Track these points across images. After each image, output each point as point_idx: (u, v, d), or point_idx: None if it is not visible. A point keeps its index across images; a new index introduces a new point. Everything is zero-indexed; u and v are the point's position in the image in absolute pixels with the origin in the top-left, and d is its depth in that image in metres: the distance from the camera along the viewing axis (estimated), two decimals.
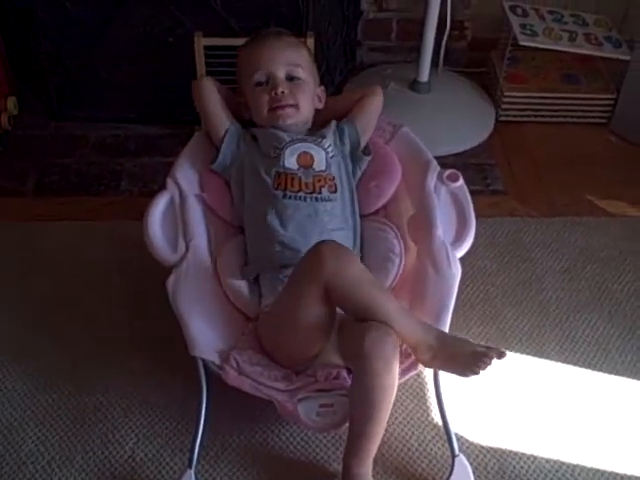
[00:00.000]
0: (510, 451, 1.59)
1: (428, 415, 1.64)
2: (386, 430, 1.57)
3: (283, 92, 1.68)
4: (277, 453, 1.57)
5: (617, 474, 1.56)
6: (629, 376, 1.74)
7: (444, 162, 1.83)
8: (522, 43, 2.39)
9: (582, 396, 1.70)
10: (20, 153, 2.34)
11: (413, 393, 1.68)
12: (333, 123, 1.75)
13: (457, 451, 1.51)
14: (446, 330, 1.50)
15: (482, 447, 1.59)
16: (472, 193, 1.72)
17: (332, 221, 1.62)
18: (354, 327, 1.39)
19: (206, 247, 1.64)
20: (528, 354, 1.78)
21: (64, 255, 1.99)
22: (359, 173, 1.75)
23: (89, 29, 2.27)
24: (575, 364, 1.76)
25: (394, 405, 1.61)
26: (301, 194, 1.63)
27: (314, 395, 1.44)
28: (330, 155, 1.69)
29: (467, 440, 1.60)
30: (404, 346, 1.44)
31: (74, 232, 2.06)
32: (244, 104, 1.75)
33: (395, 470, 1.55)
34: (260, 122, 1.72)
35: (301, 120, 1.73)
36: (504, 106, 2.49)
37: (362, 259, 1.65)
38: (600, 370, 1.75)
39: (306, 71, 1.72)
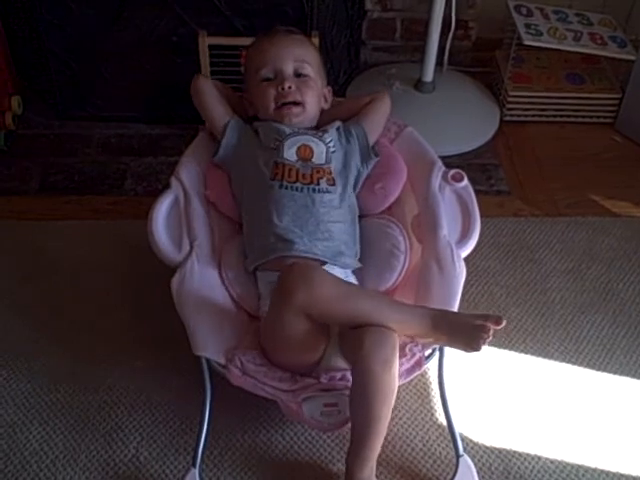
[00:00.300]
0: (514, 451, 1.58)
1: (432, 415, 1.64)
2: (390, 430, 1.58)
3: (290, 87, 1.68)
4: (281, 453, 1.57)
5: (622, 475, 1.56)
6: (634, 376, 1.74)
7: (448, 162, 1.83)
8: (527, 43, 2.38)
9: (586, 396, 1.69)
10: (24, 152, 2.33)
11: (417, 393, 1.68)
12: (337, 122, 1.75)
13: (461, 451, 1.51)
14: None
15: (486, 447, 1.59)
16: (476, 193, 1.72)
17: (329, 213, 1.61)
18: (351, 332, 1.39)
19: (210, 246, 1.64)
20: (532, 354, 1.78)
21: (68, 254, 1.99)
22: (365, 173, 1.75)
23: (93, 29, 2.27)
24: (580, 364, 1.76)
25: (398, 405, 1.63)
26: (298, 184, 1.61)
27: (318, 395, 1.43)
28: (331, 150, 1.68)
29: (471, 440, 1.60)
30: (407, 346, 1.44)
31: (78, 231, 2.06)
32: (250, 100, 1.75)
33: (399, 470, 1.55)
34: (264, 116, 1.72)
35: (307, 119, 1.72)
36: (509, 106, 2.49)
37: (364, 256, 1.66)
38: (605, 370, 1.75)
39: (314, 69, 1.72)
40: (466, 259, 1.62)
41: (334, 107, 1.82)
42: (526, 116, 2.51)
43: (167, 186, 1.70)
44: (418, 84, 2.49)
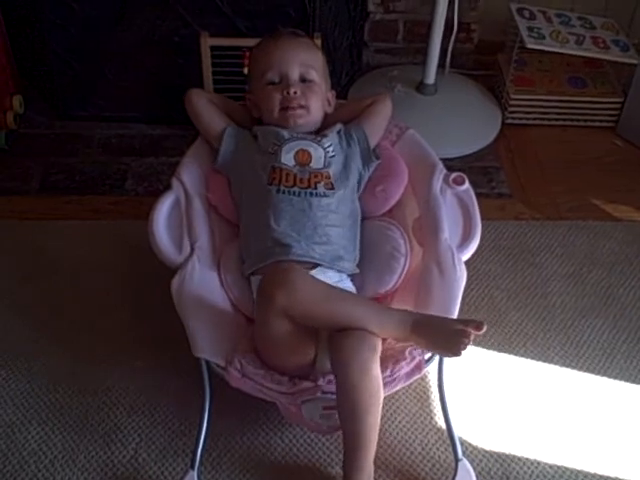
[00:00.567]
0: (514, 456, 1.58)
1: (432, 419, 1.64)
2: (389, 433, 1.58)
3: (295, 92, 1.67)
4: (280, 455, 1.57)
5: None
6: (634, 381, 1.73)
7: (449, 164, 1.83)
8: (529, 46, 2.38)
9: (586, 401, 1.69)
10: (25, 152, 2.34)
11: (417, 397, 1.67)
12: (338, 125, 1.74)
13: (460, 455, 1.51)
14: None
15: (485, 451, 1.58)
16: (477, 196, 1.72)
17: (327, 217, 1.60)
18: (332, 337, 1.39)
19: (211, 248, 1.63)
20: (532, 358, 1.77)
21: (68, 254, 1.99)
22: (367, 176, 1.74)
23: (96, 29, 2.27)
24: (580, 369, 1.75)
25: (397, 409, 1.63)
26: (295, 189, 1.60)
27: (318, 397, 1.43)
28: (330, 154, 1.67)
29: (470, 444, 1.59)
30: (407, 350, 1.44)
31: (78, 231, 2.06)
32: (254, 102, 1.75)
33: (398, 474, 1.55)
34: (269, 121, 1.71)
35: (310, 122, 1.72)
36: (510, 109, 2.48)
37: (364, 259, 1.65)
38: (605, 375, 1.74)
39: (319, 74, 1.71)
40: (467, 262, 1.61)
41: (336, 109, 1.81)
42: (528, 119, 2.51)
43: (168, 187, 1.69)
44: (420, 86, 2.49)
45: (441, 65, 2.50)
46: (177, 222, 1.64)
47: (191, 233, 1.61)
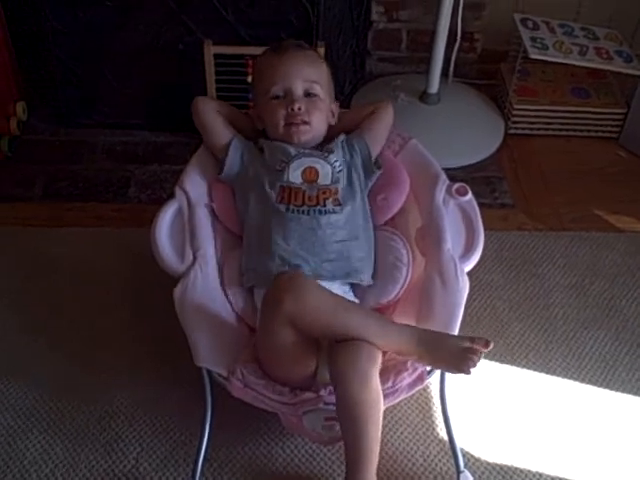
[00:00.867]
0: (515, 467, 1.58)
1: (434, 430, 1.64)
2: (391, 444, 1.58)
3: (300, 108, 1.67)
4: (281, 466, 1.57)
5: None
6: (636, 394, 1.73)
7: (452, 174, 1.83)
8: (532, 56, 2.38)
9: (588, 413, 1.69)
10: (28, 158, 2.34)
11: (419, 407, 1.67)
12: (341, 136, 1.74)
13: (462, 467, 1.51)
14: None
15: (487, 463, 1.58)
16: (480, 206, 1.72)
17: (336, 233, 1.61)
18: (331, 347, 1.39)
19: (213, 257, 1.63)
20: (534, 370, 1.77)
21: (70, 261, 1.99)
22: (369, 186, 1.75)
23: (100, 36, 2.27)
24: (582, 381, 1.75)
25: (399, 420, 1.63)
26: (304, 207, 1.61)
27: (319, 408, 1.42)
28: (337, 170, 1.68)
29: (472, 456, 1.59)
30: (409, 361, 1.44)
31: (81, 238, 2.06)
32: (258, 114, 1.75)
33: None
34: (273, 135, 1.72)
35: (315, 137, 1.72)
36: (513, 119, 2.48)
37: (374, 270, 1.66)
38: (607, 387, 1.74)
39: (323, 88, 1.71)
40: (469, 273, 1.61)
41: (339, 119, 1.81)
42: (531, 129, 2.51)
43: (171, 195, 1.70)
44: (423, 95, 2.49)
45: (444, 74, 2.50)
46: (180, 230, 1.64)
47: (193, 242, 1.61)
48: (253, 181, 1.68)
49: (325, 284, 1.49)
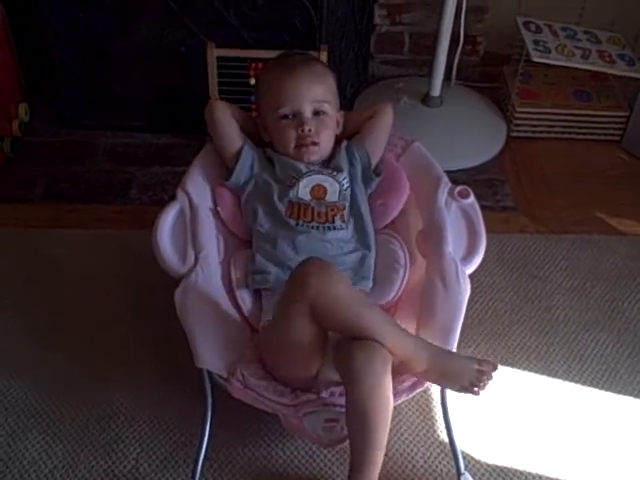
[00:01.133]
0: (516, 470, 1.57)
1: (434, 432, 1.63)
2: (391, 446, 1.57)
3: (310, 130, 1.68)
4: (281, 467, 1.57)
5: None
6: (637, 396, 1.73)
7: (454, 176, 1.83)
8: (535, 59, 2.38)
9: (589, 416, 1.68)
10: (30, 160, 2.34)
11: (419, 409, 1.67)
12: (343, 143, 1.75)
13: (463, 469, 1.50)
14: (454, 346, 1.50)
15: (488, 465, 1.58)
16: (482, 209, 1.72)
17: (344, 247, 1.64)
18: (344, 347, 1.38)
19: (215, 259, 1.64)
20: (536, 372, 1.77)
21: (71, 263, 1.99)
22: (369, 192, 1.76)
23: (102, 38, 2.28)
24: (583, 383, 1.75)
25: (400, 422, 1.63)
26: (314, 224, 1.64)
27: (319, 410, 1.42)
28: (344, 187, 1.70)
29: (473, 458, 1.59)
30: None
31: (82, 240, 2.06)
32: (265, 127, 1.75)
33: None
34: (282, 152, 1.73)
35: (323, 155, 1.74)
36: (516, 122, 2.48)
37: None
38: (608, 390, 1.74)
39: (331, 105, 1.72)
40: (470, 275, 1.61)
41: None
42: (533, 132, 2.51)
43: (173, 197, 1.70)
44: (426, 98, 2.49)
45: (447, 77, 2.50)
46: (181, 232, 1.64)
47: (195, 243, 1.61)
48: (261, 191, 1.70)
49: None
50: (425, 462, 1.58)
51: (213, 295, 1.58)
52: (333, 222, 1.65)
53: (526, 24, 2.51)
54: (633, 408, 1.70)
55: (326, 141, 1.72)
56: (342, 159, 1.73)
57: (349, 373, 1.34)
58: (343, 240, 1.65)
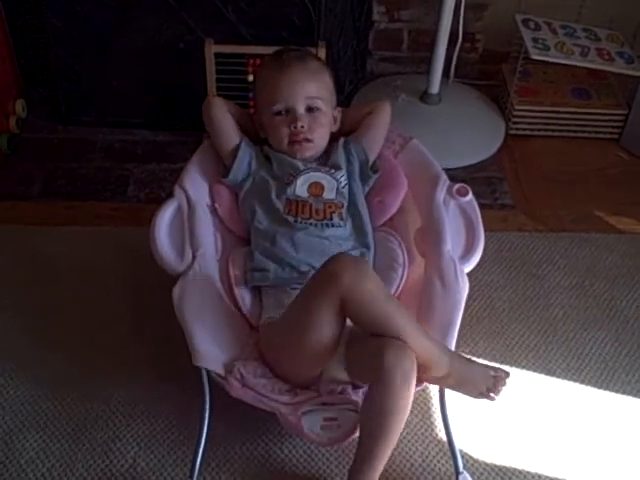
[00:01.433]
0: (515, 469, 1.57)
1: (432, 431, 1.63)
2: None
3: (303, 126, 1.68)
4: (279, 466, 1.56)
5: None
6: (635, 395, 1.73)
7: (452, 174, 1.82)
8: (534, 57, 2.38)
9: (588, 415, 1.68)
10: (27, 156, 2.33)
11: (418, 408, 1.66)
12: (341, 140, 1.75)
13: (461, 468, 1.50)
14: (453, 344, 1.50)
15: (486, 464, 1.58)
16: (480, 207, 1.72)
17: (343, 244, 1.64)
18: (369, 343, 1.38)
19: (213, 256, 1.63)
20: (534, 371, 1.77)
21: (69, 261, 1.98)
22: (366, 190, 1.75)
23: (99, 34, 2.27)
24: (582, 382, 1.75)
25: None
26: (312, 221, 1.64)
27: (318, 409, 1.42)
28: (342, 185, 1.70)
29: (471, 457, 1.58)
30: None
31: (80, 237, 2.05)
32: (260, 124, 1.75)
33: None
34: (277, 148, 1.72)
35: (318, 150, 1.74)
36: (514, 119, 2.48)
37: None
38: (607, 389, 1.74)
39: (326, 101, 1.72)
40: (469, 273, 1.61)
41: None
42: (532, 130, 2.50)
43: (170, 194, 1.69)
44: (424, 96, 2.49)
45: (445, 75, 2.50)
46: (179, 229, 1.63)
47: (193, 241, 1.61)
48: (259, 188, 1.70)
49: None
50: (423, 461, 1.58)
51: (211, 293, 1.57)
52: (331, 219, 1.65)
53: (525, 21, 2.50)
54: (631, 406, 1.70)
55: (320, 137, 1.72)
56: (340, 156, 1.72)
57: (380, 365, 1.32)
58: (341, 237, 1.65)
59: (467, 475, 1.50)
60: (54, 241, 2.04)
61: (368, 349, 1.38)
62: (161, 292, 1.56)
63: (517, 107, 2.46)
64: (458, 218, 1.69)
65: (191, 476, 1.46)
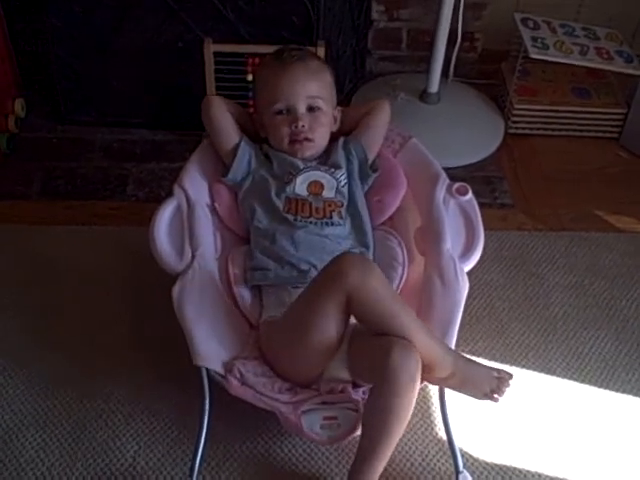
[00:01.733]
0: (515, 468, 1.57)
1: (432, 430, 1.63)
2: None
3: (303, 126, 1.68)
4: (279, 465, 1.56)
5: None
6: (635, 394, 1.72)
7: (452, 173, 1.82)
8: (533, 56, 2.38)
9: (588, 414, 1.68)
10: (26, 156, 2.33)
11: (417, 407, 1.65)
12: (340, 140, 1.75)
13: (461, 467, 1.49)
14: (453, 343, 1.50)
15: (486, 464, 1.57)
16: (480, 206, 1.72)
17: (342, 243, 1.64)
18: (373, 342, 1.38)
19: (212, 255, 1.63)
20: (534, 370, 1.77)
21: (68, 260, 1.98)
22: (366, 189, 1.75)
23: (99, 33, 2.26)
24: (582, 381, 1.75)
25: None
26: (312, 219, 1.64)
27: (318, 407, 1.42)
28: (342, 184, 1.70)
29: (471, 456, 1.58)
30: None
31: (79, 236, 2.05)
32: (261, 124, 1.75)
33: None
34: (277, 148, 1.73)
35: (318, 150, 1.74)
36: (513, 118, 2.48)
37: None
38: (607, 388, 1.73)
39: (326, 100, 1.71)
40: (468, 272, 1.61)
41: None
42: (531, 129, 2.50)
43: (170, 193, 1.69)
44: (423, 95, 2.49)
45: (444, 74, 2.50)
46: (178, 229, 1.63)
47: (192, 240, 1.61)
48: (259, 187, 1.70)
49: None
50: (423, 460, 1.58)
51: (211, 292, 1.57)
52: (331, 218, 1.65)
53: (524, 21, 2.50)
54: (631, 405, 1.70)
55: (320, 137, 1.72)
56: (339, 156, 1.72)
57: (385, 363, 1.32)
58: (341, 236, 1.65)
59: (467, 474, 1.49)
60: (53, 240, 2.03)
61: (372, 348, 1.38)
62: (161, 292, 1.56)
63: (516, 106, 2.46)
64: (458, 217, 1.69)
65: (191, 475, 1.46)
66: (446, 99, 2.50)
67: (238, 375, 1.44)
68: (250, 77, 2.17)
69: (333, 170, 1.71)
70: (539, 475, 1.56)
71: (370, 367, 1.39)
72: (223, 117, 1.74)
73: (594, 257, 2.06)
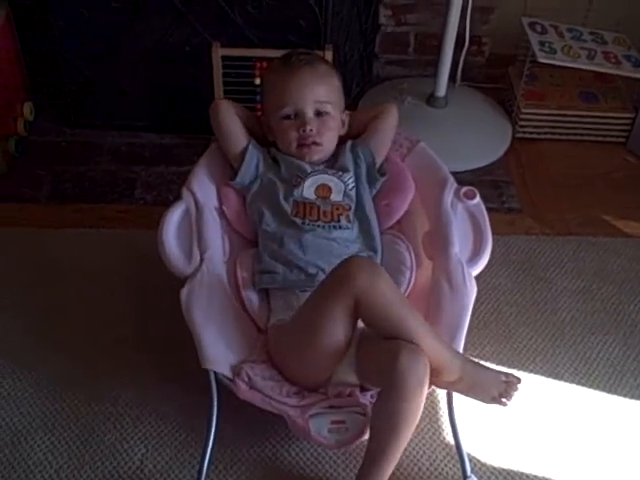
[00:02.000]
0: (522, 473, 1.57)
1: (440, 434, 1.63)
2: None
3: (311, 130, 1.68)
4: (287, 468, 1.56)
5: None
6: None
7: (459, 177, 1.82)
8: (540, 60, 2.38)
9: (596, 419, 1.68)
10: (35, 159, 2.33)
11: (425, 412, 1.64)
12: (348, 143, 1.75)
13: (469, 472, 1.49)
14: (460, 347, 1.50)
15: (494, 468, 1.57)
16: (487, 210, 1.72)
17: (350, 247, 1.64)
18: (381, 345, 1.38)
19: (221, 259, 1.64)
20: (542, 375, 1.76)
21: (76, 263, 1.98)
22: (373, 192, 1.75)
23: (107, 37, 2.27)
24: (590, 386, 1.74)
25: None
26: (320, 223, 1.64)
27: (326, 411, 1.42)
28: (350, 187, 1.70)
29: (479, 461, 1.58)
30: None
31: (87, 239, 2.06)
32: (268, 126, 1.75)
33: None
34: (285, 152, 1.73)
35: (326, 155, 1.74)
36: (521, 123, 2.48)
37: None
38: (615, 393, 1.73)
39: (334, 105, 1.72)
40: (476, 276, 1.61)
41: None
42: (538, 133, 2.50)
43: (178, 197, 1.70)
44: (430, 99, 2.49)
45: (452, 78, 2.50)
46: (187, 232, 1.64)
47: (201, 243, 1.61)
48: (267, 190, 1.70)
49: None
50: (431, 465, 1.58)
51: (219, 295, 1.58)
52: (339, 221, 1.65)
53: (532, 25, 2.50)
54: (639, 411, 1.70)
55: (328, 141, 1.72)
56: (347, 159, 1.73)
57: (393, 367, 1.32)
58: (349, 240, 1.65)
59: (475, 479, 1.49)
60: (62, 243, 2.04)
61: (381, 352, 1.38)
62: (168, 295, 1.57)
63: (524, 110, 2.46)
64: (466, 221, 1.69)
65: (198, 478, 1.46)
66: (453, 103, 2.50)
67: (246, 379, 1.44)
68: (258, 81, 2.17)
69: (341, 173, 1.71)
70: None
71: (378, 371, 1.39)
72: (231, 121, 1.74)
73: (602, 262, 2.05)
